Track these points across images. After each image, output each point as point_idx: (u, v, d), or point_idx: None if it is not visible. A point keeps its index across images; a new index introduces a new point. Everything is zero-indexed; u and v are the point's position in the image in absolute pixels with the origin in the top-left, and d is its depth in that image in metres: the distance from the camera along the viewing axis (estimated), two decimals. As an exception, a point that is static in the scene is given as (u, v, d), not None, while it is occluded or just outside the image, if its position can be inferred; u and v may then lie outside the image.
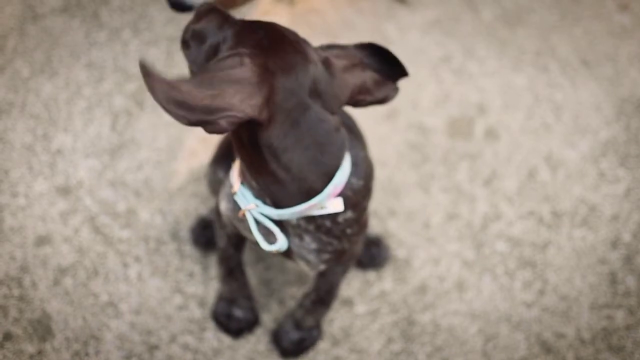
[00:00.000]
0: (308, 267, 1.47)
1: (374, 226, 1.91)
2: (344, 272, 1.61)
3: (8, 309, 1.77)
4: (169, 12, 2.21)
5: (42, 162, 1.96)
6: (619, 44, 2.26)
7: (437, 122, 2.09)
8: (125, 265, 1.84)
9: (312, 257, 1.42)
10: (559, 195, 1.99)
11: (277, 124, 1.23)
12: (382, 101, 1.37)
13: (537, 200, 1.98)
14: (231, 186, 1.41)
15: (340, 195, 1.33)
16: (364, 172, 1.39)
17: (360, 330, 1.80)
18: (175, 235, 1.88)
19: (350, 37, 2.18)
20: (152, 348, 1.75)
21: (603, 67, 2.21)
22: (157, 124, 2.03)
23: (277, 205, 1.32)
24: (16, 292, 1.79)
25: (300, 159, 1.26)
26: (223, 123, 1.17)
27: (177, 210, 1.91)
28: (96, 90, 2.07)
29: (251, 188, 1.34)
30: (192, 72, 1.34)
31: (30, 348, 1.72)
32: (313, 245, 1.39)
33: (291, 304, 1.82)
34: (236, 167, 1.38)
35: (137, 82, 2.09)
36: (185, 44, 1.34)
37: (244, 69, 1.20)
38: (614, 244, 1.93)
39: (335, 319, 1.81)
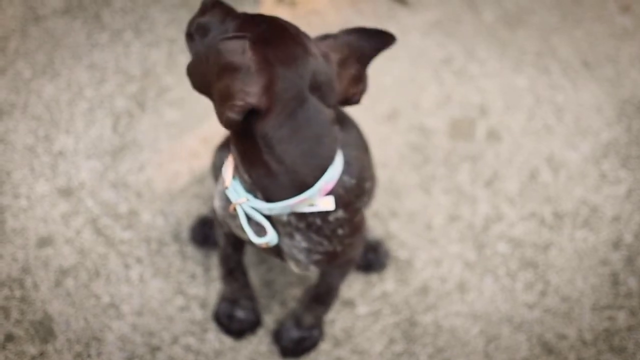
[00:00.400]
0: (298, 269, 1.47)
1: (376, 227, 1.91)
2: (342, 275, 1.61)
3: (10, 310, 1.77)
4: (171, 14, 2.21)
5: (44, 164, 1.96)
6: (620, 45, 2.26)
7: (438, 123, 2.09)
8: (127, 266, 1.84)
9: (302, 257, 1.42)
10: (560, 197, 1.99)
11: (274, 114, 1.24)
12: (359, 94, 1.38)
13: (538, 202, 1.98)
14: (223, 182, 1.41)
15: (331, 193, 1.34)
16: (357, 171, 1.40)
17: (362, 332, 1.80)
18: (177, 237, 1.88)
19: (352, 39, 2.18)
20: (154, 349, 1.74)
21: (604, 68, 2.21)
22: (158, 125, 2.03)
23: (268, 199, 1.33)
24: (18, 293, 1.79)
25: (294, 151, 1.27)
26: (229, 114, 1.20)
27: (179, 211, 1.91)
28: (98, 92, 2.07)
29: (243, 182, 1.35)
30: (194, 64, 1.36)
31: (32, 349, 1.72)
32: (303, 244, 1.40)
33: (293, 305, 1.82)
34: (230, 162, 1.39)
35: (139, 84, 2.09)
36: (189, 37, 1.36)
37: (244, 57, 1.22)
38: (616, 245, 1.93)
39: (337, 320, 1.81)
